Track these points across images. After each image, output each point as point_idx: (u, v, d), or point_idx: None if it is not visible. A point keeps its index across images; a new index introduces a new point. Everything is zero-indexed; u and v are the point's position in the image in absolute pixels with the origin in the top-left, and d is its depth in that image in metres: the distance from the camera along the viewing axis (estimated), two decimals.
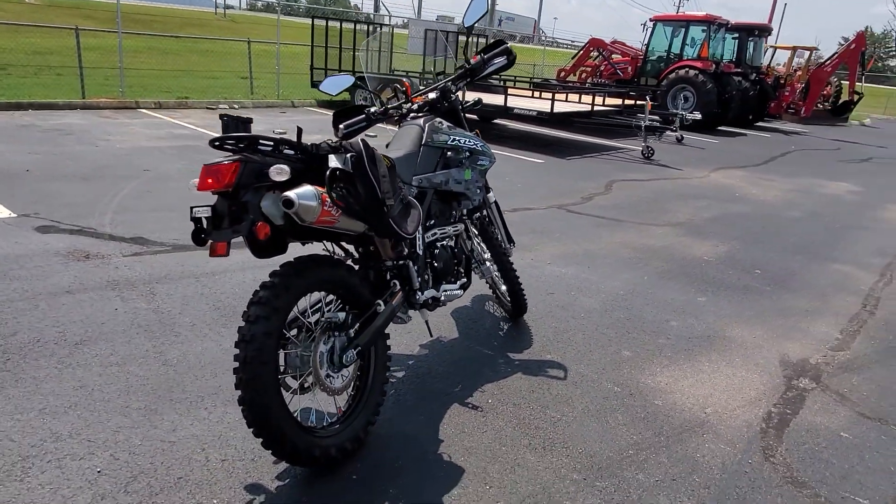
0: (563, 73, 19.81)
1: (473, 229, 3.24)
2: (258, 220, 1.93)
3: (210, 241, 1.94)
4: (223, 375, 2.82)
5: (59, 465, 2.18)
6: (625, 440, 2.60)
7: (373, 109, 2.82)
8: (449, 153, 2.84)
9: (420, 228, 2.65)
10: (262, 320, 1.99)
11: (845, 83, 20.44)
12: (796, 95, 19.10)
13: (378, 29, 14.66)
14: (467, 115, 3.15)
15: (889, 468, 2.57)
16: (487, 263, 3.35)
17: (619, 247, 5.29)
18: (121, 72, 11.53)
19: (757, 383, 3.19)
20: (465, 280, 3.03)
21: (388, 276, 2.56)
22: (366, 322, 2.34)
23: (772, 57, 20.10)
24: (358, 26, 14.25)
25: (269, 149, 1.99)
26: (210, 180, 1.89)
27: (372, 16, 32.67)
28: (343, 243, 2.51)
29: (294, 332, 2.21)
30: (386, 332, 2.45)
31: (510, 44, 3.11)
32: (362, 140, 2.12)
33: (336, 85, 2.91)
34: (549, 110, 10.54)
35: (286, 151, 2.03)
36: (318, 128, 9.73)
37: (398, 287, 2.52)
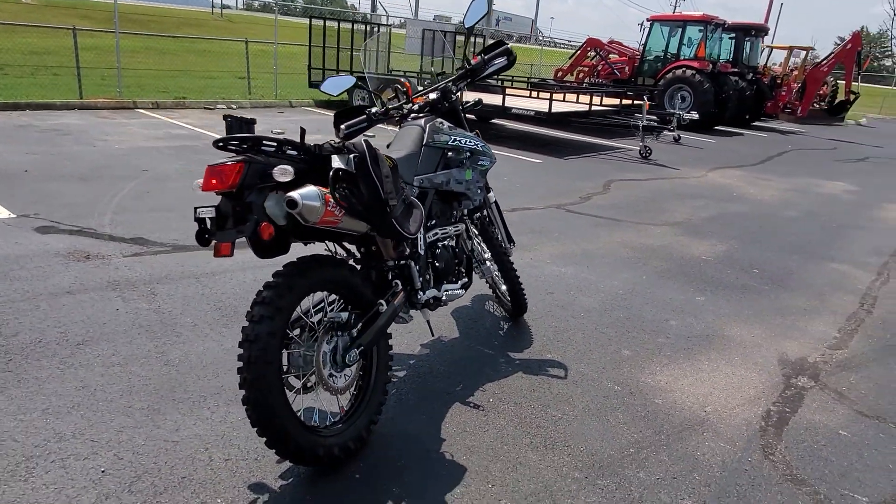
0: (560, 73, 19.84)
1: (474, 229, 3.25)
2: (262, 220, 1.94)
3: (214, 242, 1.95)
4: (225, 375, 2.83)
5: (63, 465, 2.19)
6: (625, 438, 2.62)
7: (374, 110, 2.83)
8: (450, 153, 2.85)
9: (421, 228, 2.66)
10: (266, 320, 2.00)
11: (841, 83, 20.50)
12: (793, 95, 19.14)
13: (376, 29, 14.67)
14: (466, 115, 3.16)
15: (887, 466, 2.59)
16: (488, 263, 3.37)
17: (618, 246, 5.31)
18: (118, 72, 11.51)
19: (756, 382, 3.21)
20: (466, 280, 3.05)
21: (390, 276, 2.58)
22: (368, 322, 2.35)
23: (768, 57, 20.14)
24: (355, 26, 14.26)
25: (273, 149, 2.00)
26: (214, 181, 1.90)
27: (369, 16, 32.68)
28: (345, 243, 2.52)
29: (297, 331, 2.22)
30: (388, 331, 2.46)
31: (509, 44, 3.12)
32: (365, 141, 2.13)
33: (337, 85, 2.92)
34: (546, 110, 10.56)
35: (289, 152, 2.04)
36: (316, 128, 9.73)
37: (400, 287, 2.53)
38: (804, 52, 20.27)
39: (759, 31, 18.12)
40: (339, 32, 13.33)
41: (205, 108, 11.61)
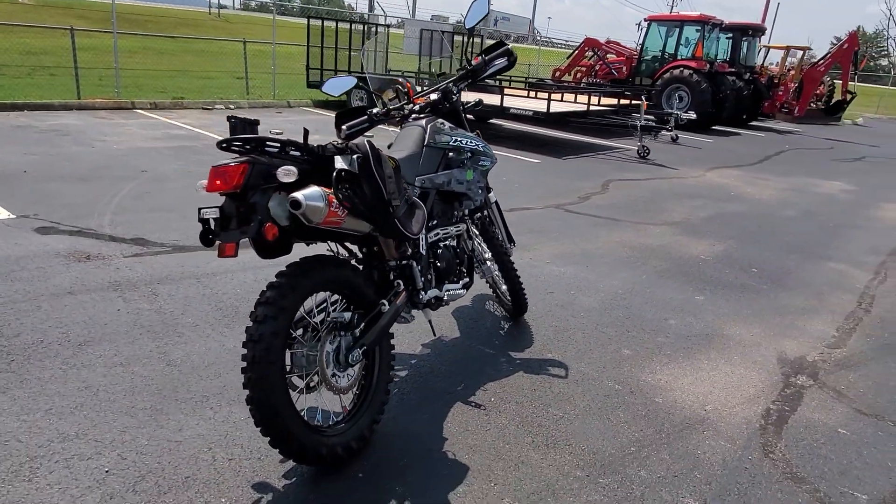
0: (558, 73, 19.87)
1: (474, 229, 3.26)
2: (266, 220, 1.95)
3: (218, 242, 1.96)
4: (227, 375, 2.84)
5: (67, 465, 2.19)
6: (627, 437, 2.63)
7: (375, 110, 2.84)
8: (451, 154, 2.86)
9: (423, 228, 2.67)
10: (270, 320, 2.01)
11: (838, 83, 20.56)
12: (790, 95, 19.19)
13: (375, 29, 14.68)
14: (466, 115, 3.17)
15: (886, 463, 2.61)
16: (488, 263, 3.38)
17: (617, 246, 5.33)
18: (116, 72, 11.50)
19: (755, 381, 3.22)
20: (467, 280, 3.06)
21: (392, 276, 2.59)
22: (371, 322, 2.36)
23: (765, 57, 20.19)
24: (353, 26, 14.26)
25: (276, 150, 2.01)
26: (218, 182, 1.91)
27: (366, 15, 32.67)
28: (347, 243, 2.53)
29: (300, 331, 2.23)
30: (390, 331, 2.47)
31: (509, 44, 3.13)
32: (368, 141, 2.14)
33: (338, 86, 2.93)
34: (545, 110, 10.57)
35: (292, 153, 2.05)
36: (314, 128, 9.73)
37: (402, 287, 2.54)
38: (801, 52, 20.32)
39: (757, 31, 18.16)
40: (337, 32, 13.34)
41: (203, 109, 11.60)
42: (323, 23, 13.42)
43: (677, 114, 12.61)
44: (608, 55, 18.87)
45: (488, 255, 3.38)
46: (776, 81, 19.15)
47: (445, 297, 2.86)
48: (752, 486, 2.40)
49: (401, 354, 3.12)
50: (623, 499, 2.27)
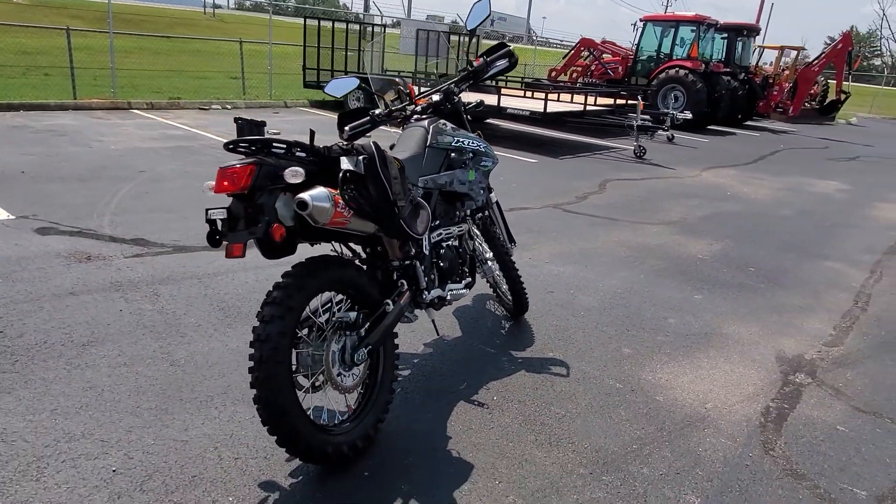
0: (554, 73, 19.89)
1: (476, 229, 3.28)
2: (274, 221, 1.97)
3: (226, 243, 1.97)
4: (231, 375, 2.85)
5: (74, 464, 2.20)
6: (628, 435, 2.66)
7: (377, 111, 2.86)
8: (453, 154, 2.88)
9: None
10: (277, 320, 2.02)
11: (832, 82, 20.67)
12: (784, 95, 19.28)
13: (382, 30, 14.69)
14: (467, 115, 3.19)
15: (885, 460, 2.64)
16: (489, 263, 3.40)
17: (615, 245, 5.35)
18: (112, 72, 11.48)
19: (755, 379, 3.26)
20: (469, 279, 3.08)
21: (396, 276, 2.60)
22: (375, 321, 2.38)
23: (759, 57, 20.29)
24: (350, 26, 14.26)
25: (282, 151, 2.02)
26: (226, 183, 1.92)
27: (362, 15, 32.66)
28: (351, 244, 2.55)
29: (305, 331, 2.24)
30: (393, 331, 2.49)
31: (510, 45, 3.15)
32: (374, 143, 2.16)
33: (340, 87, 2.95)
34: (542, 110, 10.60)
35: (299, 154, 2.06)
36: (311, 128, 9.72)
37: (406, 287, 2.56)
38: (795, 52, 20.42)
39: (751, 31, 18.23)
40: (333, 32, 13.34)
41: (199, 109, 11.59)
42: (319, 23, 13.41)
43: (673, 113, 12.67)
44: (604, 55, 18.91)
45: (489, 254, 3.40)
46: (771, 81, 19.24)
47: (448, 297, 2.88)
48: (753, 482, 2.43)
49: (403, 354, 3.14)
50: (626, 496, 2.29)
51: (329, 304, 2.35)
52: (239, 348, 3.07)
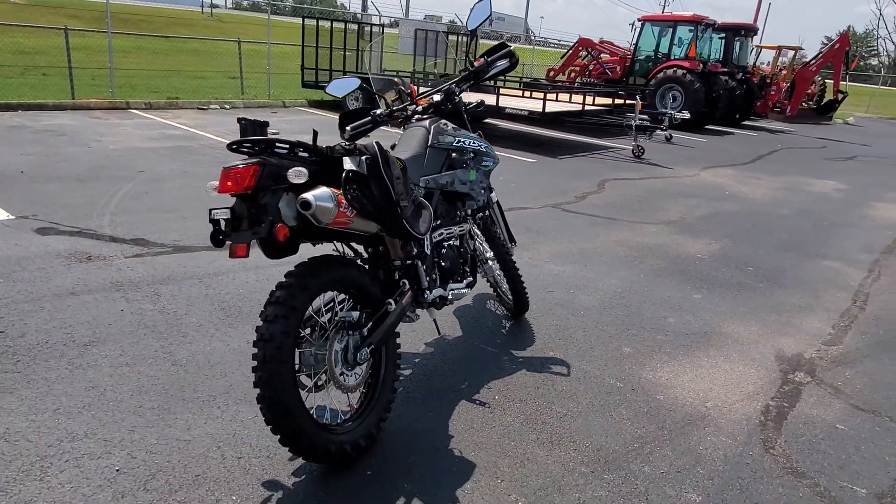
0: (552, 73, 19.92)
1: (476, 229, 3.29)
2: (277, 221, 1.97)
3: (229, 243, 1.98)
4: (233, 375, 2.85)
5: (78, 464, 2.21)
6: (630, 434, 2.67)
7: (379, 111, 2.86)
8: (454, 154, 2.89)
9: None
10: (281, 319, 2.03)
11: (829, 82, 20.71)
12: (782, 94, 19.32)
13: (382, 30, 14.69)
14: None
15: (884, 458, 2.66)
16: (490, 262, 3.41)
17: (615, 245, 5.37)
18: (110, 72, 11.46)
19: (754, 377, 3.27)
20: (471, 279, 3.09)
21: (397, 276, 2.61)
22: (378, 321, 2.39)
23: (757, 56, 20.32)
24: (348, 26, 14.26)
25: (285, 151, 2.03)
26: (230, 183, 1.93)
27: (360, 15, 32.64)
28: (352, 243, 2.56)
29: (308, 330, 2.25)
30: (395, 330, 2.49)
31: (511, 46, 3.16)
32: (377, 143, 2.17)
33: (342, 87, 2.95)
34: (540, 110, 10.62)
35: (301, 154, 2.07)
36: (310, 128, 9.70)
37: (408, 286, 2.56)
38: (792, 52, 20.47)
39: (749, 30, 18.27)
40: (331, 32, 13.34)
41: (198, 109, 11.58)
42: (318, 23, 13.41)
43: (671, 113, 12.69)
44: (602, 55, 18.94)
45: (490, 254, 3.41)
46: (768, 81, 19.27)
47: (450, 297, 2.89)
48: (754, 481, 2.44)
49: (404, 353, 3.15)
50: (628, 494, 2.30)
51: (331, 304, 2.35)
52: (240, 348, 3.08)
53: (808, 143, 14.94)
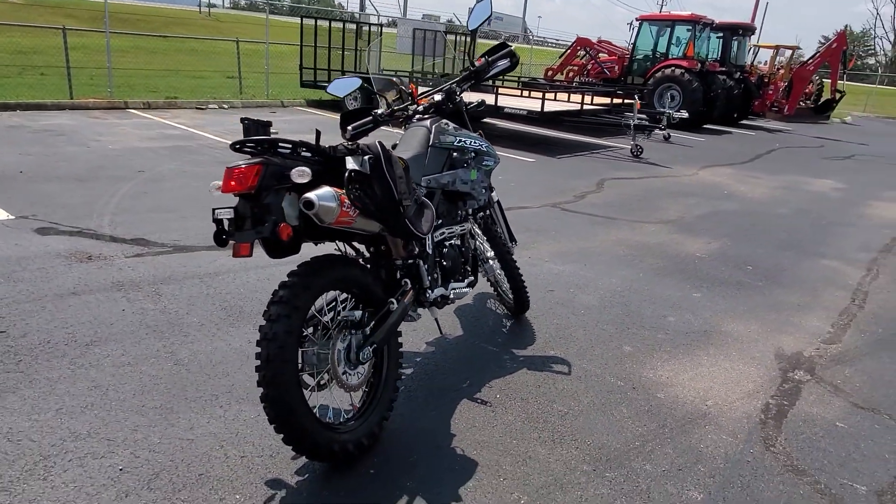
0: (550, 73, 19.94)
1: (477, 228, 3.30)
2: (281, 221, 1.98)
3: (233, 242, 1.98)
4: (235, 374, 2.86)
5: (81, 463, 2.21)
6: (631, 432, 2.68)
7: (380, 111, 2.87)
8: (455, 154, 2.90)
9: None
10: (284, 318, 2.03)
11: (827, 81, 20.75)
12: (779, 94, 19.34)
13: (380, 30, 14.69)
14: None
15: (884, 456, 2.67)
16: (491, 262, 3.42)
17: (614, 244, 5.38)
18: (109, 72, 11.44)
19: (754, 376, 3.28)
20: (472, 278, 3.10)
21: (399, 275, 2.62)
22: (380, 320, 2.39)
23: (755, 56, 20.36)
24: (346, 26, 14.26)
25: (288, 151, 2.04)
26: (233, 182, 1.93)
27: (358, 15, 32.63)
28: (354, 243, 2.56)
29: (310, 330, 2.25)
30: (397, 329, 2.50)
31: (512, 45, 3.17)
32: (379, 142, 2.17)
33: (343, 87, 2.95)
34: (539, 109, 10.63)
35: (304, 154, 2.07)
36: (308, 128, 9.72)
37: (409, 285, 2.57)
38: (790, 52, 20.50)
39: (747, 30, 18.31)
40: (330, 32, 13.33)
41: (196, 108, 11.57)
42: (316, 22, 13.41)
43: (669, 113, 12.71)
44: (600, 54, 18.96)
45: (490, 253, 3.42)
46: (766, 80, 19.31)
47: (451, 296, 2.90)
48: (755, 478, 2.45)
49: (406, 352, 3.15)
50: (629, 492, 2.31)
51: (334, 303, 2.36)
52: (242, 348, 3.08)
53: (805, 143, 14.97)
